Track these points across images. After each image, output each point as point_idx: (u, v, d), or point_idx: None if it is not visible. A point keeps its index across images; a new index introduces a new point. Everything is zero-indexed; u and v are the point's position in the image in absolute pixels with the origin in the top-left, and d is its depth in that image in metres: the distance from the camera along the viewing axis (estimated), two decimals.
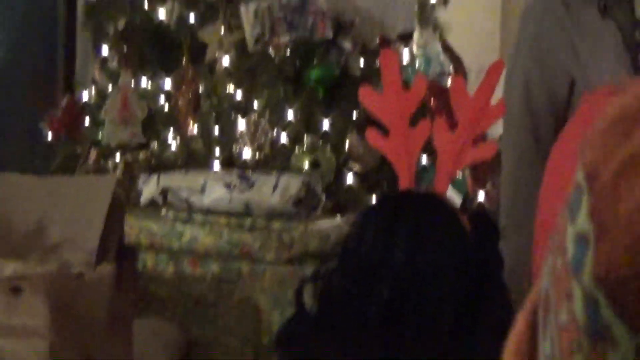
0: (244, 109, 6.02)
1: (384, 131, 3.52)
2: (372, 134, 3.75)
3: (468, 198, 6.10)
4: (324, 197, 5.88)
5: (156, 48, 6.27)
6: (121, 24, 6.36)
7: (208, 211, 5.89)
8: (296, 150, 6.01)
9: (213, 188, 5.85)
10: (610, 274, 0.82)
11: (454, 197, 5.48)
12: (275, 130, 6.00)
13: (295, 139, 5.97)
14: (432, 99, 5.90)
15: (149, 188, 5.86)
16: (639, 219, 0.80)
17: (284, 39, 6.06)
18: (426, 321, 3.32)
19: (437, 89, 5.97)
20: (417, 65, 6.38)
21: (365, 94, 3.54)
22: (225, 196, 5.78)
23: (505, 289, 3.44)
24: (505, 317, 2.93)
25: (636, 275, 0.81)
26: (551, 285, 0.90)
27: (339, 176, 5.86)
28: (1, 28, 7.85)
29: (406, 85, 4.48)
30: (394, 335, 3.31)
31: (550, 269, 0.90)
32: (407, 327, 3.36)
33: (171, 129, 6.14)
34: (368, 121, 4.98)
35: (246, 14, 6.01)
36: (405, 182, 3.65)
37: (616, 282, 0.81)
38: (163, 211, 5.87)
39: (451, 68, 6.36)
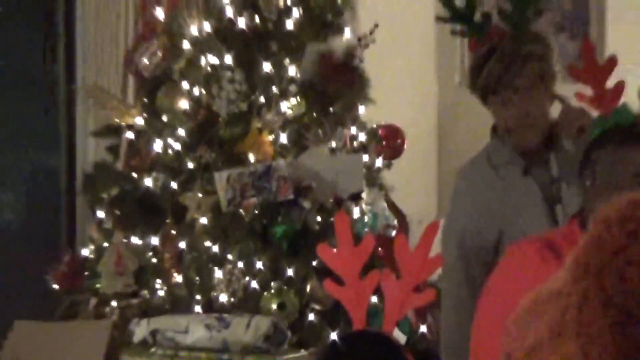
0: (220, 260, 6.15)
1: (339, 280, 4.12)
2: (328, 284, 3.91)
3: (412, 336, 6.14)
4: (289, 334, 5.96)
5: (144, 211, 6.42)
6: (114, 191, 6.57)
7: (191, 348, 6.03)
8: (265, 294, 6.08)
9: (195, 328, 5.99)
10: None
11: (400, 335, 5.66)
12: (247, 278, 6.11)
13: (264, 285, 6.09)
14: (379, 249, 6.22)
15: (140, 329, 5.96)
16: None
17: (253, 200, 6.20)
18: None
19: (384, 240, 5.94)
20: (366, 219, 6.49)
21: (322, 250, 3.57)
22: (206, 335, 5.92)
23: None
24: None
25: None
26: None
27: (303, 315, 5.97)
28: (11, 195, 8.17)
29: (357, 238, 4.90)
30: None
31: None
32: None
33: (158, 279, 6.28)
34: (325, 270, 5.71)
35: (220, 180, 6.16)
36: (358, 324, 3.76)
37: None
38: (153, 349, 6.03)
39: (395, 221, 6.47)
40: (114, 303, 6.24)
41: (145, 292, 6.34)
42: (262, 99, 6.38)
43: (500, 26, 5.53)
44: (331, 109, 6.52)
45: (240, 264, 6.08)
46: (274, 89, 6.39)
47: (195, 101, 6.44)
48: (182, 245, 6.23)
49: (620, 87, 4.64)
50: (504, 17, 5.42)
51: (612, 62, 4.81)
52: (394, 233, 6.44)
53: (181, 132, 6.41)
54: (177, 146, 6.43)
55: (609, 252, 1.04)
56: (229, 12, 6.42)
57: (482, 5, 6.03)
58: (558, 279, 1.08)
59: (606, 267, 1.04)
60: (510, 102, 5.21)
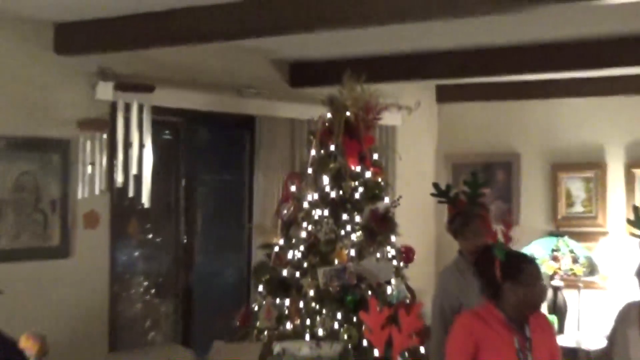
0: (319, 313, 7.57)
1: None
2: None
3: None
4: (352, 352, 7.45)
5: (282, 287, 7.83)
6: (267, 276, 7.95)
7: (302, 359, 7.32)
8: (341, 330, 7.47)
9: (304, 348, 7.36)
10: None
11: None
12: (333, 322, 7.57)
13: (340, 326, 7.54)
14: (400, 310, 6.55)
15: (276, 348, 7.31)
16: None
17: (336, 284, 7.59)
18: None
19: (402, 306, 7.17)
20: (394, 294, 7.75)
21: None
22: (309, 352, 7.34)
23: None
24: None
25: None
26: None
27: (360, 342, 7.40)
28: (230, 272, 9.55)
29: (390, 304, 7.02)
30: None
31: None
32: None
33: (288, 322, 7.72)
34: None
35: (321, 273, 7.59)
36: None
37: None
38: (282, 358, 7.38)
39: (409, 295, 7.96)
40: (265, 333, 7.74)
41: (280, 328, 7.72)
42: (342, 232, 7.76)
43: (463, 199, 7.18)
44: (378, 238, 7.83)
45: (330, 316, 7.49)
46: (348, 227, 7.78)
47: (309, 232, 7.82)
48: (301, 305, 7.68)
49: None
50: (465, 195, 7.11)
51: (510, 225, 6.20)
52: (408, 301, 7.77)
53: (301, 248, 7.81)
54: (299, 255, 7.81)
55: None
56: (327, 188, 7.78)
57: (455, 188, 7.53)
58: None
59: None
60: (467, 240, 6.98)
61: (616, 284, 9.68)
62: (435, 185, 7.43)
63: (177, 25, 6.58)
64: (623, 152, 10.32)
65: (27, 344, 5.22)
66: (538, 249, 9.73)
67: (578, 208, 10.59)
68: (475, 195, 7.29)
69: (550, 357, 5.65)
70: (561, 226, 10.48)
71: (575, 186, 10.59)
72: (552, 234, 10.29)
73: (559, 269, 9.75)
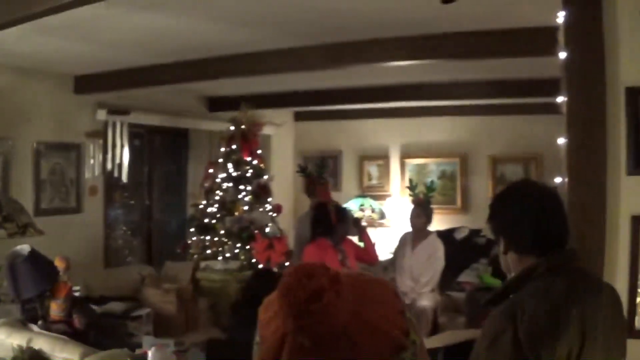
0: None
1: None
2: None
3: None
4: None
5: None
6: None
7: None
8: None
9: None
10: (265, 357, 0.92)
11: None
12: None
13: None
14: None
15: None
16: (270, 339, 0.92)
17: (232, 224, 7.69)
18: None
19: (276, 239, 7.60)
20: (270, 231, 7.71)
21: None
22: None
23: None
24: None
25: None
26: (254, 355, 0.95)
27: None
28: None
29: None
30: None
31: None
32: None
33: None
34: None
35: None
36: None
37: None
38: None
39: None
40: (195, 256, 7.78)
41: (204, 253, 7.78)
42: (239, 196, 7.88)
43: (314, 174, 7.36)
44: (260, 199, 7.96)
45: (233, 245, 7.59)
46: (243, 193, 7.87)
47: (221, 196, 7.90)
48: (216, 239, 7.70)
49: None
50: (315, 172, 7.31)
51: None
52: (279, 235, 7.81)
53: (216, 206, 7.85)
54: (214, 210, 7.85)
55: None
56: (231, 170, 7.86)
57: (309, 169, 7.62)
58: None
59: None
60: (315, 198, 6.91)
61: (396, 224, 9.60)
62: (300, 166, 7.75)
63: (146, 76, 6.62)
64: (399, 150, 10.37)
65: (58, 263, 5.16)
66: (353, 205, 9.61)
67: (374, 181, 10.62)
68: (320, 173, 7.57)
69: (355, 259, 5.88)
70: (365, 191, 10.49)
71: (372, 169, 10.62)
72: (359, 196, 10.21)
73: (364, 215, 9.62)
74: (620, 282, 2.34)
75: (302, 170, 7.67)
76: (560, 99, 3.46)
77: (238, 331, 3.40)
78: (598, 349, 2.07)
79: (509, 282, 2.19)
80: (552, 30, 3.54)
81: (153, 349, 2.85)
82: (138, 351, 3.14)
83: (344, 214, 6.09)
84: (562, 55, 3.30)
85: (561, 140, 3.40)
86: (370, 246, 6.38)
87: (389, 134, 10.52)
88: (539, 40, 4.65)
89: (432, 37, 5.23)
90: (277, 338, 0.91)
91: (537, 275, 2.11)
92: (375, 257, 6.38)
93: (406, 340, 0.93)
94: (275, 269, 6.62)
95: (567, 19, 3.27)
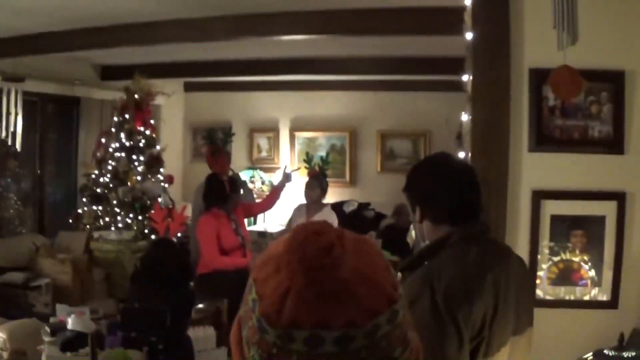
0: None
1: None
2: None
3: None
4: None
5: None
6: None
7: None
8: None
9: None
10: (267, 311, 0.88)
11: None
12: None
13: None
14: None
15: None
16: (272, 295, 0.88)
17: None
18: None
19: (171, 208, 7.71)
20: (163, 201, 7.75)
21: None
22: None
23: None
24: None
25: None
26: (244, 314, 0.92)
27: None
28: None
29: None
30: None
31: (244, 309, 0.91)
32: None
33: None
34: None
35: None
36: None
37: (267, 315, 0.87)
38: None
39: None
40: (88, 226, 7.71)
41: (97, 223, 7.70)
42: (132, 166, 7.81)
43: (218, 144, 8.02)
44: (153, 169, 7.94)
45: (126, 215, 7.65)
46: (136, 163, 7.83)
47: (113, 166, 7.82)
48: (108, 209, 7.65)
49: None
50: (219, 142, 7.98)
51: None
52: (171, 205, 7.92)
53: (108, 175, 7.75)
54: (107, 180, 7.76)
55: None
56: (123, 139, 7.80)
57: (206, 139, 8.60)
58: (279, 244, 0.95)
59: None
60: (218, 168, 6.80)
61: (284, 196, 9.04)
62: (207, 132, 7.79)
63: (42, 44, 6.44)
64: (289, 123, 10.35)
65: None
66: (245, 176, 9.46)
67: (264, 154, 10.59)
68: (226, 141, 7.66)
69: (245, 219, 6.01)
70: (255, 164, 10.48)
71: (262, 142, 10.55)
72: (249, 168, 10.24)
73: (255, 187, 9.69)
74: (521, 254, 2.45)
75: (209, 137, 7.67)
76: (465, 78, 3.57)
77: (142, 300, 3.42)
78: (510, 312, 2.17)
79: (424, 250, 2.25)
80: (454, 10, 3.64)
81: (73, 316, 2.81)
82: (53, 319, 3.03)
83: (237, 184, 6.15)
84: (469, 35, 3.39)
85: (464, 117, 3.51)
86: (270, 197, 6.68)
87: (279, 106, 10.54)
88: (439, 19, 4.77)
89: (328, 12, 5.22)
90: (280, 293, 0.90)
91: (452, 243, 2.18)
92: (270, 204, 6.73)
93: (396, 294, 0.96)
94: (174, 239, 6.53)
95: (475, 0, 3.36)
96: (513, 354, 2.19)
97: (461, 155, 3.48)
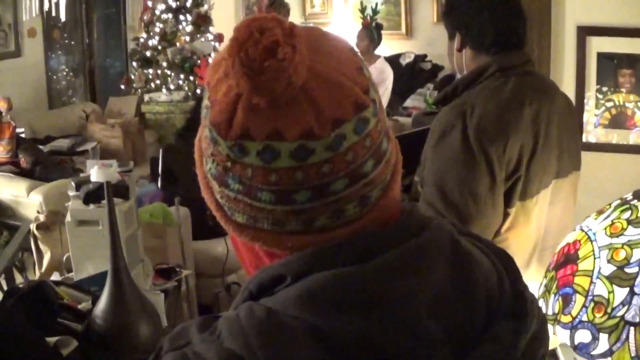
0: None
1: None
2: None
3: None
4: None
5: None
6: None
7: None
8: None
9: None
10: (217, 119, 0.82)
11: None
12: None
13: None
14: None
15: None
16: (222, 101, 0.82)
17: None
18: None
19: None
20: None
21: None
22: None
23: None
24: None
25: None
26: (202, 123, 0.87)
27: None
28: None
29: None
30: None
31: (202, 117, 0.86)
32: None
33: None
34: None
35: None
36: None
37: (217, 125, 0.83)
38: None
39: None
40: (139, 90, 7.76)
41: (147, 86, 7.73)
42: (180, 26, 7.70)
43: None
44: (201, 28, 7.78)
45: (176, 76, 7.64)
46: (184, 23, 7.74)
47: (161, 28, 7.72)
48: (159, 72, 7.66)
49: None
50: None
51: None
52: None
53: (157, 38, 7.69)
54: (155, 42, 7.72)
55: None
56: (170, 1, 7.68)
57: None
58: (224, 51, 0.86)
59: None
60: None
61: None
62: None
63: None
64: None
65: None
66: None
67: (317, 9, 10.23)
68: None
69: None
70: (308, 19, 10.07)
71: None
72: (303, 23, 8.98)
73: None
74: (567, 92, 2.32)
75: None
76: None
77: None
78: (553, 152, 2.08)
79: (459, 81, 2.15)
80: None
81: (96, 167, 2.75)
82: (83, 175, 2.97)
83: None
84: None
85: None
86: None
87: None
88: None
89: None
90: (229, 100, 0.81)
91: (489, 75, 2.07)
92: None
93: (367, 98, 0.84)
94: None
95: None
96: (555, 198, 2.12)
97: None
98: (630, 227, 1.53)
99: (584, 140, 3.26)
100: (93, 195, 2.61)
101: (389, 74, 6.62)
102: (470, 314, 0.88)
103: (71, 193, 2.72)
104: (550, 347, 1.73)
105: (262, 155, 0.81)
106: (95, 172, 2.72)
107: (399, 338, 0.81)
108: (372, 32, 6.69)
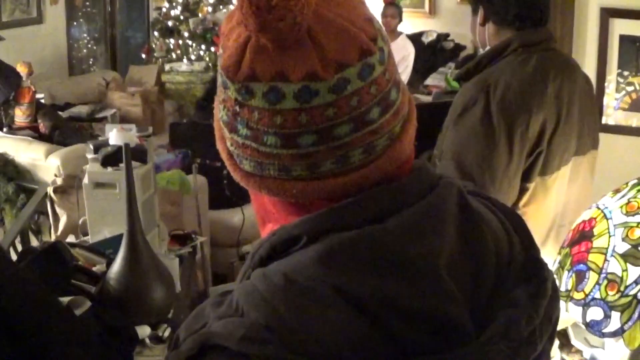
0: None
1: None
2: None
3: None
4: None
5: None
6: None
7: None
8: None
9: None
10: (227, 63, 0.84)
11: None
12: None
13: None
14: None
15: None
16: (232, 46, 0.83)
17: None
18: None
19: None
20: None
21: None
22: None
23: None
24: None
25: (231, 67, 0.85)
26: (219, 86, 0.86)
27: None
28: None
29: None
30: None
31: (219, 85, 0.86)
32: None
33: None
34: None
35: None
36: None
37: (226, 68, 0.83)
38: None
39: None
40: (160, 60, 7.72)
41: (168, 56, 7.67)
42: (204, 1, 8.08)
43: None
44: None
45: (197, 47, 7.70)
46: None
47: None
48: (180, 42, 7.66)
49: None
50: None
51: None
52: None
53: (179, 8, 7.66)
54: (177, 12, 7.66)
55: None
56: None
57: None
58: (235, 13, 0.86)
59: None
60: None
61: None
62: None
63: None
64: None
65: (21, 68, 5.09)
66: None
67: None
68: None
69: None
70: None
71: None
72: None
73: None
74: (588, 73, 2.31)
75: None
76: None
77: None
78: (574, 129, 2.08)
79: (482, 56, 2.16)
80: None
81: (114, 130, 2.74)
82: (102, 139, 2.95)
83: None
84: None
85: None
86: None
87: None
88: None
89: None
90: (239, 44, 0.83)
91: (512, 50, 2.07)
92: None
93: (372, 45, 0.84)
94: None
95: None
96: (573, 176, 2.12)
97: None
98: None
99: (603, 122, 3.24)
100: (111, 158, 2.61)
101: (411, 51, 6.57)
102: (478, 273, 0.88)
103: (89, 156, 2.72)
104: (562, 327, 1.74)
105: (268, 97, 0.82)
106: (114, 135, 2.72)
107: (425, 296, 0.81)
108: (400, 9, 6.64)
